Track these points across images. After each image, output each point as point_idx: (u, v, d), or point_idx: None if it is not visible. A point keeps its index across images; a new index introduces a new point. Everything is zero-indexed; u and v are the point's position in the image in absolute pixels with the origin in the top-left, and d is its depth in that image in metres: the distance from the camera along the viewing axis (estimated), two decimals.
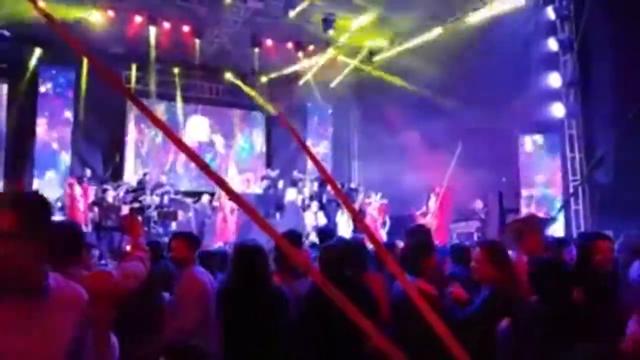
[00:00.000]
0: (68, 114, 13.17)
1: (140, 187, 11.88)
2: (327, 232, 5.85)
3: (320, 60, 14.47)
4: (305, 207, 12.39)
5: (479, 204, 11.24)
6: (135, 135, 14.62)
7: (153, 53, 13.30)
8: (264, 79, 15.16)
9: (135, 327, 3.36)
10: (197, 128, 15.51)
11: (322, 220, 11.91)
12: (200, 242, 4.27)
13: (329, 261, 3.36)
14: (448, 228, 11.32)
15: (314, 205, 12.22)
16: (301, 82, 15.38)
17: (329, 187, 11.94)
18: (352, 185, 13.55)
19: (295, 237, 4.05)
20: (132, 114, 14.33)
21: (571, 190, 10.32)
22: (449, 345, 0.98)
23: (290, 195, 12.06)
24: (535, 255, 3.23)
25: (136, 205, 11.07)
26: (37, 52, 12.44)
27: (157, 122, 1.07)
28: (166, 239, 5.67)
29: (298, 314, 3.25)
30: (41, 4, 10.61)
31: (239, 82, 15.13)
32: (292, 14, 12.19)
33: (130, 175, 13.75)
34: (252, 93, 15.28)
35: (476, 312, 3.03)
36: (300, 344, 3.19)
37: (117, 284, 2.74)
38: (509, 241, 3.84)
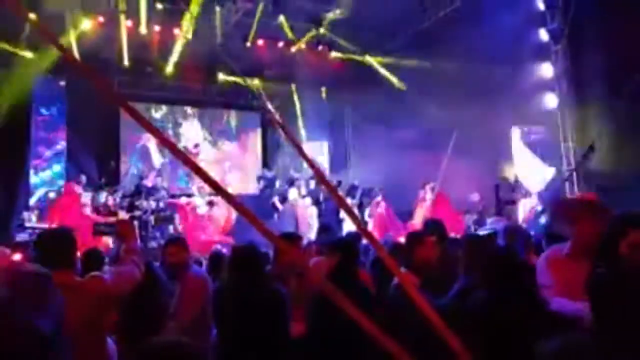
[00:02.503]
0: (62, 120, 13.13)
1: (137, 191, 11.85)
2: (326, 228, 5.89)
3: (312, 57, 14.46)
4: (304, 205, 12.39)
5: (475, 197, 11.28)
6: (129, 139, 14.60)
7: (144, 57, 13.29)
8: (257, 78, 15.13)
9: (134, 330, 3.37)
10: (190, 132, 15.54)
11: (314, 216, 11.96)
12: None
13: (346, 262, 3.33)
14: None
15: (307, 200, 12.21)
16: (294, 80, 15.38)
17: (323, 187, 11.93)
18: (355, 183, 13.50)
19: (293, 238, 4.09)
20: (126, 118, 14.29)
21: (565, 177, 10.36)
22: (447, 339, 0.99)
23: (292, 195, 12.04)
24: (591, 244, 2.71)
25: (137, 212, 11.01)
26: (30, 59, 12.37)
27: (148, 127, 1.08)
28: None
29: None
30: (32, 16, 10.61)
31: (232, 83, 15.11)
32: (281, 15, 12.25)
33: (126, 180, 13.75)
34: (247, 93, 15.30)
35: (446, 304, 2.99)
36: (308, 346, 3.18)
37: (111, 288, 2.77)
38: (561, 224, 3.28)
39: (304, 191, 12.87)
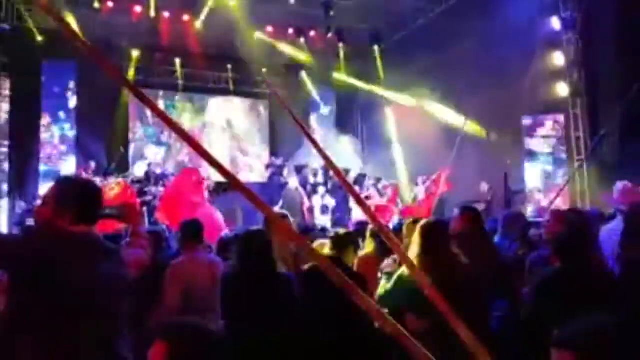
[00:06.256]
0: (72, 106, 13.18)
1: (146, 178, 11.93)
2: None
3: (322, 44, 14.39)
4: (311, 193, 12.40)
5: (484, 186, 11.24)
6: (139, 126, 14.65)
7: (154, 43, 13.27)
8: (266, 66, 15.08)
9: (139, 314, 3.39)
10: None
11: (331, 203, 11.98)
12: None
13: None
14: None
15: (321, 189, 12.23)
16: (304, 68, 15.31)
17: (332, 174, 11.93)
18: (362, 172, 13.50)
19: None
20: (136, 105, 14.31)
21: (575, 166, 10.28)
22: (453, 323, 1.00)
23: (292, 183, 12.08)
24: None
25: (147, 198, 11.03)
26: (39, 45, 12.40)
27: (158, 112, 1.08)
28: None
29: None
30: None
31: (240, 71, 15.07)
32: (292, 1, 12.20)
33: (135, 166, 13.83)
34: (255, 81, 15.29)
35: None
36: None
37: None
38: None
39: (311, 179, 12.88)
